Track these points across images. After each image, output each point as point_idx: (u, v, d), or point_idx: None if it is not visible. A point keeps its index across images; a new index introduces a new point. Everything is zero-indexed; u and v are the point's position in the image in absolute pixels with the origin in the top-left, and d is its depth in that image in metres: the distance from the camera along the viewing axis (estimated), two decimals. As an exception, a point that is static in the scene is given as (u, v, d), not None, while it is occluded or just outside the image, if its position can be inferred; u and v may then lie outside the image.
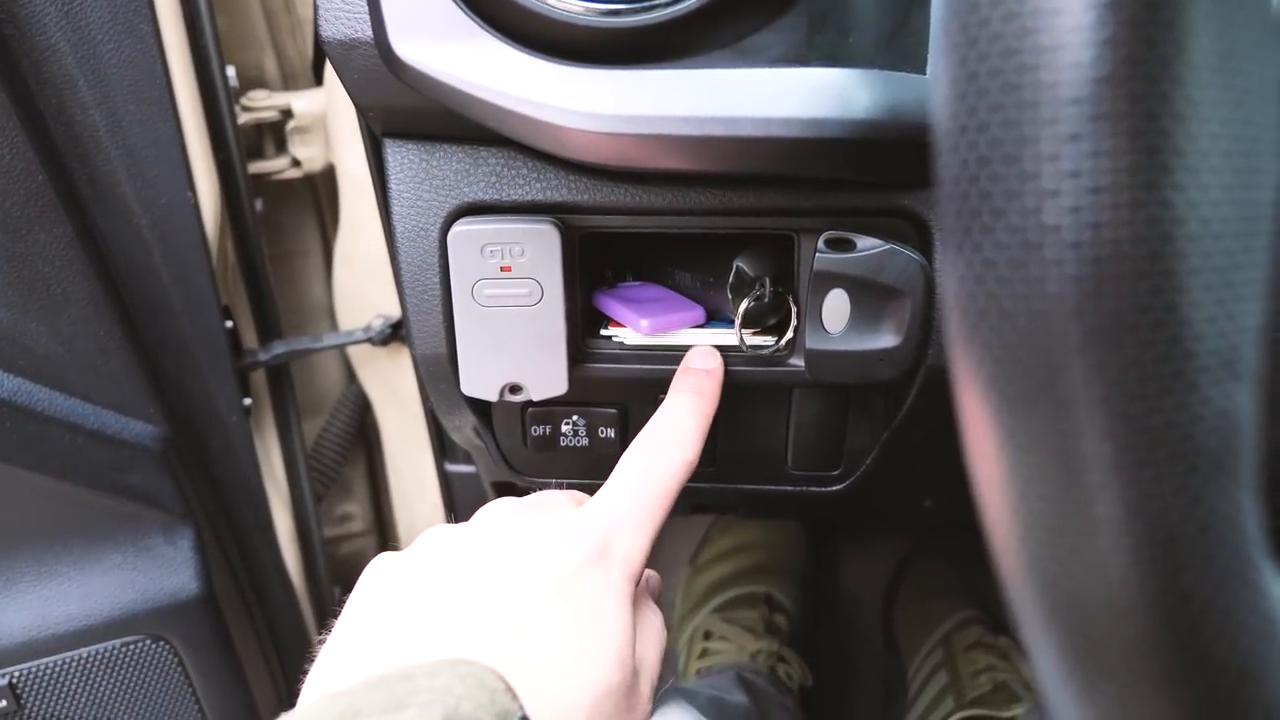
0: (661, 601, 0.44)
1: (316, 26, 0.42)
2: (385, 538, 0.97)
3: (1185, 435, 0.17)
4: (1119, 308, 0.16)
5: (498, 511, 0.39)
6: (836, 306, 0.45)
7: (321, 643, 0.34)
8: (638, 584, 0.38)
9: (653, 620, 0.39)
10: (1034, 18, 0.16)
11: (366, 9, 0.40)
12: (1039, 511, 0.18)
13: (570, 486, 0.44)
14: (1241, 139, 0.17)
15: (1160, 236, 0.16)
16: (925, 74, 0.41)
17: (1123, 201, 0.16)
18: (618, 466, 0.41)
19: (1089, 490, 0.17)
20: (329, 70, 0.75)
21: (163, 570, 0.69)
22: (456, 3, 0.40)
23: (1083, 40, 0.16)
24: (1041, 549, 0.18)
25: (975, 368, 0.18)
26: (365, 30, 0.41)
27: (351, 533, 0.96)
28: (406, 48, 0.40)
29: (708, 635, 0.89)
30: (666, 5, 0.39)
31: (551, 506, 0.39)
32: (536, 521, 0.38)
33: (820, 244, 0.44)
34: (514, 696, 0.28)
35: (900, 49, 0.41)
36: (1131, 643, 0.18)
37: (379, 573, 0.37)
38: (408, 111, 0.43)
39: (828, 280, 0.45)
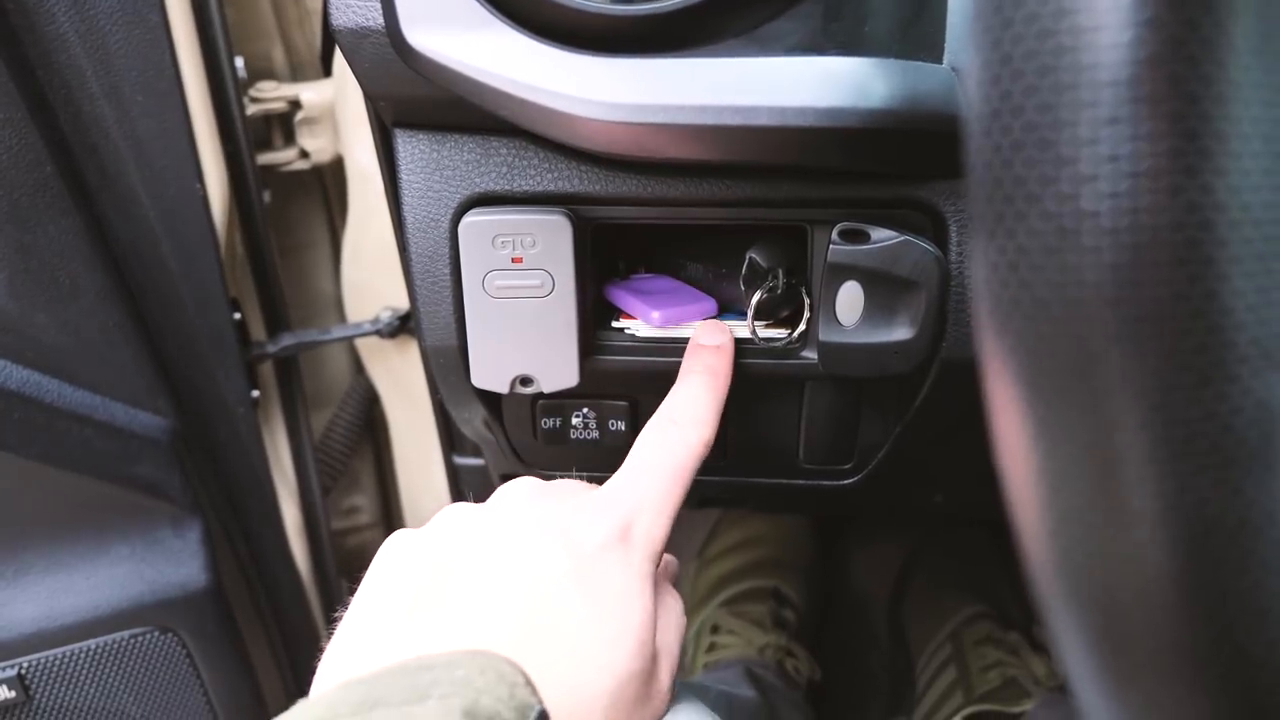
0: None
1: (325, 17, 0.42)
2: (392, 530, 0.97)
3: (1224, 426, 0.16)
4: (1158, 296, 0.16)
5: (517, 492, 0.38)
6: (850, 298, 0.45)
7: (335, 623, 0.34)
8: (658, 566, 0.37)
9: (672, 605, 0.38)
10: (1072, -2, 0.15)
11: (378, -4, 0.40)
12: (1072, 505, 0.17)
13: (582, 479, 0.44)
14: (1283, 123, 0.16)
15: (1200, 223, 0.16)
16: (942, 62, 0.40)
17: (1162, 186, 0.15)
18: (634, 448, 0.40)
19: (1125, 483, 0.17)
20: (337, 61, 0.74)
21: (170, 562, 0.69)
22: (468, -10, 0.39)
23: (1122, 21, 0.15)
24: (1074, 544, 0.18)
25: (1007, 358, 0.17)
26: (376, 18, 0.40)
27: (359, 525, 0.96)
28: (418, 36, 0.39)
29: (715, 629, 0.89)
30: (681, -8, 0.38)
31: (570, 491, 0.39)
32: (556, 503, 0.37)
33: (834, 235, 0.44)
34: (533, 690, 0.27)
35: (917, 37, 0.41)
36: (1166, 639, 0.17)
37: (395, 551, 0.36)
38: (419, 101, 0.43)
39: (842, 272, 0.44)
